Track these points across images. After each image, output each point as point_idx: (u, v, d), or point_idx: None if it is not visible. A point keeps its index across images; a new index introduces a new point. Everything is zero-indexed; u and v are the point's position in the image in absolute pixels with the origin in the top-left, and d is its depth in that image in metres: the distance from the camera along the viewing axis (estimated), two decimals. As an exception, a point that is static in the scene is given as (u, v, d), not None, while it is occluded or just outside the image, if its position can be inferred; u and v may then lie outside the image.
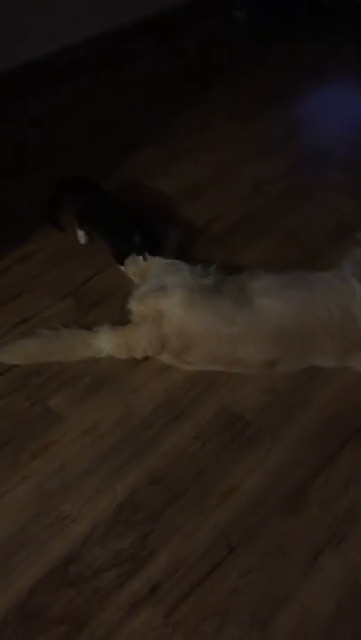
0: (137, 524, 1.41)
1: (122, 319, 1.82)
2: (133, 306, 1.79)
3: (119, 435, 1.60)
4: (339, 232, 2.13)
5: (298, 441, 1.56)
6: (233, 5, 3.77)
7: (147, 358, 1.75)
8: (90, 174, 2.24)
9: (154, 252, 1.93)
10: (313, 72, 3.15)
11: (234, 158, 2.56)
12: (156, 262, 1.92)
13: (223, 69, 3.24)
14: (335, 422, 1.59)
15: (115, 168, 2.54)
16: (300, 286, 1.71)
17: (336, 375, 1.69)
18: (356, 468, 1.49)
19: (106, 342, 1.74)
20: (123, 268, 2.00)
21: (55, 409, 1.67)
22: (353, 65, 3.19)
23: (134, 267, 1.95)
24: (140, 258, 1.93)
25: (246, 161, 2.54)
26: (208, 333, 1.66)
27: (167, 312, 1.69)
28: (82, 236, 2.16)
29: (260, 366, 1.68)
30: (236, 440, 1.57)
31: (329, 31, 3.54)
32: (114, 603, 1.28)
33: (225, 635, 1.23)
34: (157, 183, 2.44)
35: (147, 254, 1.91)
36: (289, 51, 3.37)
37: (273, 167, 2.50)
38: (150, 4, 3.55)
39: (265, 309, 1.67)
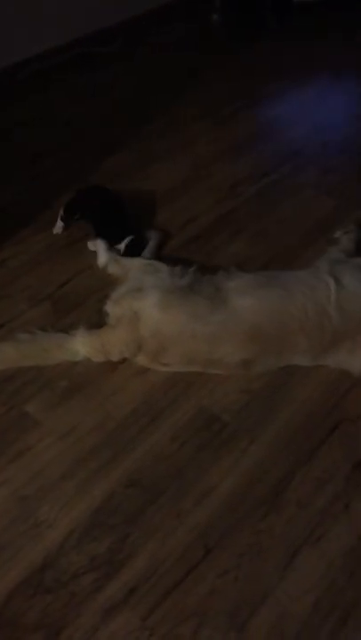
0: (114, 527, 1.40)
1: (99, 322, 1.81)
2: (110, 307, 1.78)
3: (97, 438, 1.59)
4: (315, 231, 2.14)
5: (275, 440, 1.56)
6: (209, 8, 3.77)
7: (124, 361, 1.74)
8: (64, 177, 2.23)
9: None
10: (288, 72, 3.16)
11: (209, 159, 2.56)
12: (137, 263, 1.92)
13: (198, 71, 3.24)
14: (312, 421, 1.59)
15: (88, 170, 2.53)
16: (275, 285, 1.71)
17: (313, 374, 1.69)
18: (333, 466, 1.49)
19: (82, 345, 1.73)
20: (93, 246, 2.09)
21: (32, 414, 1.66)
22: (327, 64, 3.20)
23: (116, 266, 1.95)
24: (122, 258, 1.95)
25: (222, 162, 2.54)
26: (184, 334, 1.65)
27: (142, 313, 1.68)
28: (59, 227, 2.19)
29: (237, 366, 1.68)
30: (215, 440, 1.57)
31: (303, 32, 3.56)
32: (90, 607, 1.28)
33: (202, 637, 1.23)
34: (132, 185, 2.43)
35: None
36: (264, 52, 3.38)
37: (248, 167, 2.50)
38: (124, 7, 3.54)
39: (241, 309, 1.67)
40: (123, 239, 2.03)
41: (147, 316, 1.68)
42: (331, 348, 1.66)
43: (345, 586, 1.29)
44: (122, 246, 2.02)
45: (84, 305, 1.94)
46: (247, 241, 2.14)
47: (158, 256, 2.05)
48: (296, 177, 2.43)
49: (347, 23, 3.58)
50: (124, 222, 2.09)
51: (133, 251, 2.01)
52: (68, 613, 1.27)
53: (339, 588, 1.28)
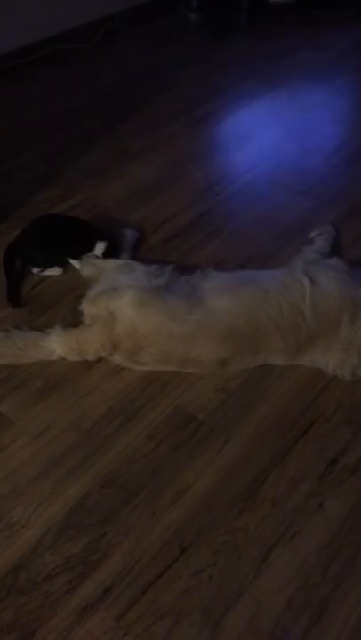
0: (89, 527, 1.40)
1: (74, 321, 1.80)
2: (85, 307, 1.78)
3: (72, 437, 1.58)
4: (290, 231, 2.16)
5: (250, 439, 1.56)
6: (186, 6, 3.78)
7: (100, 360, 1.74)
8: (40, 173, 2.21)
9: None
10: (266, 72, 3.18)
11: (186, 159, 2.56)
12: (111, 263, 1.91)
13: (175, 70, 3.25)
14: (287, 420, 1.60)
15: (64, 168, 2.51)
16: (251, 285, 1.72)
17: (288, 373, 1.70)
18: (308, 464, 1.50)
19: (57, 344, 1.72)
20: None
21: (6, 413, 1.64)
22: (303, 65, 3.23)
23: (90, 267, 1.94)
24: (96, 259, 1.94)
25: (199, 161, 2.55)
26: (160, 333, 1.65)
27: (118, 313, 1.68)
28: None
29: (212, 365, 1.68)
30: (190, 440, 1.57)
31: (280, 32, 3.58)
32: (65, 608, 1.27)
33: (177, 635, 1.23)
34: (109, 184, 2.43)
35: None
36: (241, 51, 3.40)
37: (225, 167, 2.51)
38: (102, 4, 3.53)
39: (217, 308, 1.67)
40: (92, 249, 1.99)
41: (122, 315, 1.68)
42: (306, 348, 1.67)
43: (319, 582, 1.30)
44: (98, 253, 1.99)
45: (59, 304, 1.93)
46: (224, 241, 2.14)
47: (134, 255, 2.05)
48: (272, 177, 2.44)
49: (322, 23, 3.62)
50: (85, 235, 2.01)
51: (111, 256, 1.99)
52: (43, 614, 1.26)
53: (313, 585, 1.30)
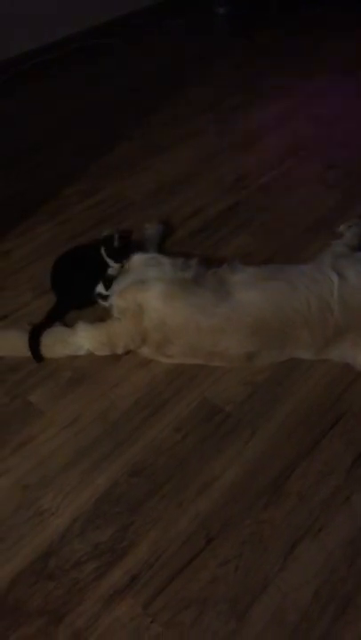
0: (117, 515, 1.42)
1: (103, 315, 1.82)
2: (113, 300, 1.79)
3: (100, 428, 1.60)
4: (319, 225, 2.15)
5: (277, 432, 1.57)
6: (213, 1, 3.77)
7: (128, 352, 1.75)
8: (67, 167, 2.22)
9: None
10: (292, 65, 3.16)
11: (213, 152, 2.56)
12: (137, 258, 1.92)
13: (203, 64, 3.24)
14: (314, 414, 1.60)
15: (91, 162, 2.53)
16: (279, 279, 1.72)
17: (315, 367, 1.70)
18: (335, 458, 1.50)
19: (86, 339, 1.73)
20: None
21: (36, 404, 1.67)
22: (331, 58, 3.20)
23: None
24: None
25: (225, 155, 2.55)
26: (188, 326, 1.66)
27: (147, 305, 1.69)
28: None
29: (240, 359, 1.69)
30: (217, 432, 1.58)
31: (307, 25, 3.55)
32: (93, 594, 1.29)
33: (203, 624, 1.24)
34: (136, 178, 2.44)
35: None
36: (268, 45, 3.38)
37: (253, 160, 2.50)
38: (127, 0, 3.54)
39: (245, 302, 1.67)
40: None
41: (151, 307, 1.69)
42: (334, 342, 1.67)
43: (345, 576, 1.30)
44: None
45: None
46: (252, 234, 2.14)
47: (161, 249, 2.05)
48: (300, 170, 2.43)
49: (349, 16, 3.58)
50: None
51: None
52: (71, 600, 1.29)
53: (339, 578, 1.30)
